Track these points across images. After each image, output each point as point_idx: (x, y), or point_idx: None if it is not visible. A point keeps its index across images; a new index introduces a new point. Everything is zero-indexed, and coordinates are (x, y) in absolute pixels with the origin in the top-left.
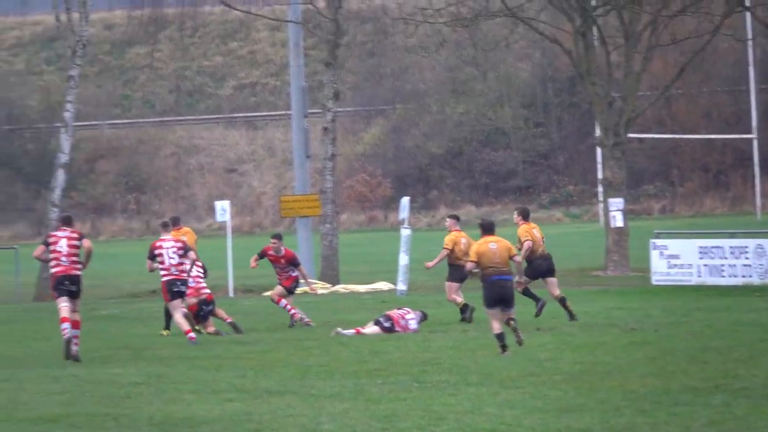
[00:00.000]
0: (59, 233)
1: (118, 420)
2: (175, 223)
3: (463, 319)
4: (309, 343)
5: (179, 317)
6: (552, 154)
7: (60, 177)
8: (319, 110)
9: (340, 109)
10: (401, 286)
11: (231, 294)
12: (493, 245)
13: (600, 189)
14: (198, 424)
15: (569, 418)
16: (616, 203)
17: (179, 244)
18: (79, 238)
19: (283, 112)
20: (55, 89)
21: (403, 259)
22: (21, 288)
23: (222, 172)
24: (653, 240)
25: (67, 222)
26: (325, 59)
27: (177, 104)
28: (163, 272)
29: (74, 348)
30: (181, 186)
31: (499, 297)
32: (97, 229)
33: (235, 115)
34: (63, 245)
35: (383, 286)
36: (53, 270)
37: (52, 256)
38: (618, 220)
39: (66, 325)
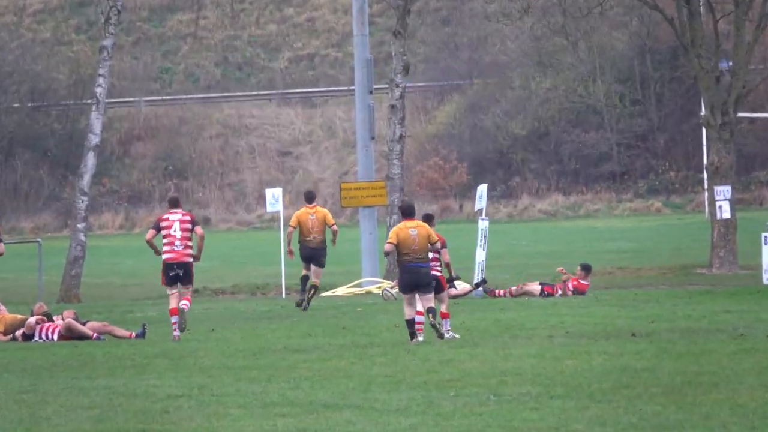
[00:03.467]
0: (171, 216)
1: None
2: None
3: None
4: (373, 351)
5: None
6: (651, 136)
7: (90, 161)
8: (386, 86)
9: (410, 85)
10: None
11: (284, 295)
12: (413, 231)
13: (705, 175)
14: None
15: None
16: (723, 191)
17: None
18: (191, 222)
19: (345, 88)
20: (86, 61)
21: (480, 255)
22: (44, 287)
23: (275, 156)
24: (765, 233)
25: (174, 204)
26: (394, 28)
27: (224, 79)
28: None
29: (174, 334)
30: (228, 171)
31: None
32: (131, 220)
33: (291, 91)
34: (176, 229)
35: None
36: (165, 256)
37: (164, 240)
38: (725, 211)
39: (175, 318)
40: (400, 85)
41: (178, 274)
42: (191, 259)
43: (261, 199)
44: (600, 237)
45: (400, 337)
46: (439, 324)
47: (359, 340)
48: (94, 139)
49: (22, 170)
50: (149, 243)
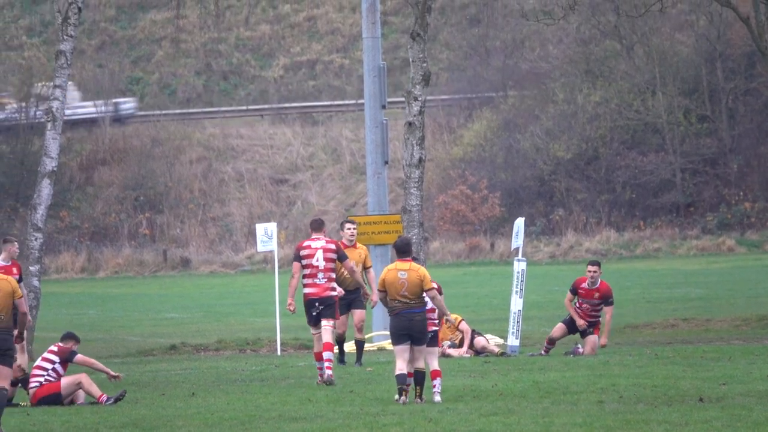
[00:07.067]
0: (314, 243)
1: None
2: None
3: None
4: (386, 419)
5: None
6: (722, 160)
7: (45, 190)
8: (402, 99)
9: (432, 98)
10: (513, 341)
11: (279, 352)
12: (402, 274)
13: None
14: None
15: None
16: None
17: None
18: (336, 252)
19: (353, 102)
20: (40, 70)
21: (516, 304)
22: None
23: (268, 184)
24: None
25: (318, 228)
26: (411, 29)
27: (206, 91)
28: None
29: (327, 373)
30: (211, 203)
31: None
32: (95, 261)
33: (287, 105)
34: (319, 258)
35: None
36: (305, 290)
37: (305, 272)
38: None
39: (327, 357)
40: (420, 98)
41: (320, 310)
42: (335, 293)
43: (251, 236)
44: (661, 282)
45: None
46: (422, 399)
47: (370, 407)
48: (49, 164)
49: None
50: (293, 281)
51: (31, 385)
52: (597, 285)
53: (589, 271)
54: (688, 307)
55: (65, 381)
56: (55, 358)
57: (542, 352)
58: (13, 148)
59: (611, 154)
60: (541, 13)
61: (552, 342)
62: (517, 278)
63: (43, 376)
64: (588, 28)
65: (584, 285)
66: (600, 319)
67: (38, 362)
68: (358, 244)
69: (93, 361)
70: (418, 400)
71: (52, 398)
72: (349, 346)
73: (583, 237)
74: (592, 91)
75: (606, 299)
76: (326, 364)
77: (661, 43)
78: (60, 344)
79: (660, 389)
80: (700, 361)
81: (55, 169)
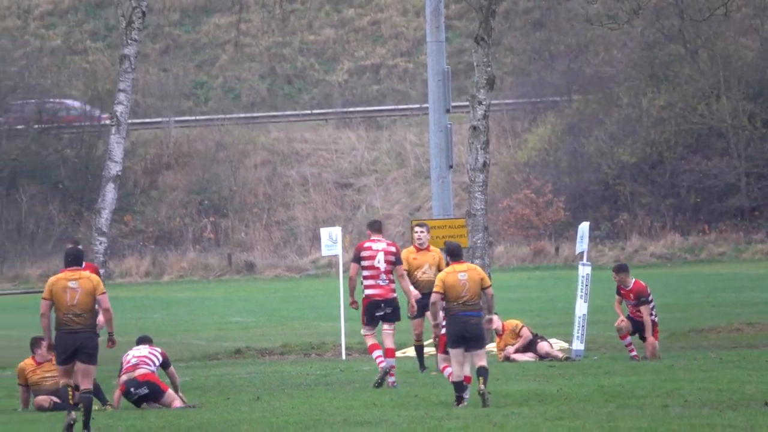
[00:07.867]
0: (375, 244)
1: None
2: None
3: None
4: (451, 424)
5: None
6: None
7: (109, 194)
8: (467, 103)
9: (496, 102)
10: (578, 345)
11: (344, 356)
12: (462, 275)
13: None
14: None
15: None
16: None
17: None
18: (396, 255)
19: (417, 106)
20: (104, 74)
21: (581, 308)
22: None
23: (332, 188)
24: None
25: (378, 229)
26: (476, 33)
27: (271, 95)
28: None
29: (390, 379)
30: (276, 207)
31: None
32: (159, 266)
33: (351, 109)
34: (380, 260)
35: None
36: (368, 291)
37: (365, 273)
38: None
39: (379, 352)
40: (484, 103)
41: (385, 312)
42: (396, 294)
43: (315, 240)
44: (726, 286)
45: (482, 405)
46: (489, 393)
47: (434, 411)
48: (114, 168)
49: (28, 206)
50: (352, 282)
51: (142, 367)
52: (630, 287)
53: (615, 279)
54: (753, 311)
55: (170, 392)
56: (160, 358)
57: (632, 355)
58: (78, 152)
59: (676, 159)
60: (605, 18)
61: (623, 335)
62: (582, 282)
63: (150, 366)
64: (652, 33)
65: (622, 288)
66: (655, 318)
67: (144, 353)
68: (432, 247)
69: (178, 378)
70: (482, 386)
71: (157, 390)
72: (410, 351)
73: (648, 241)
74: (656, 95)
75: (639, 298)
76: (384, 368)
77: (726, 47)
78: (152, 347)
79: (725, 393)
80: (765, 365)
81: (119, 173)
